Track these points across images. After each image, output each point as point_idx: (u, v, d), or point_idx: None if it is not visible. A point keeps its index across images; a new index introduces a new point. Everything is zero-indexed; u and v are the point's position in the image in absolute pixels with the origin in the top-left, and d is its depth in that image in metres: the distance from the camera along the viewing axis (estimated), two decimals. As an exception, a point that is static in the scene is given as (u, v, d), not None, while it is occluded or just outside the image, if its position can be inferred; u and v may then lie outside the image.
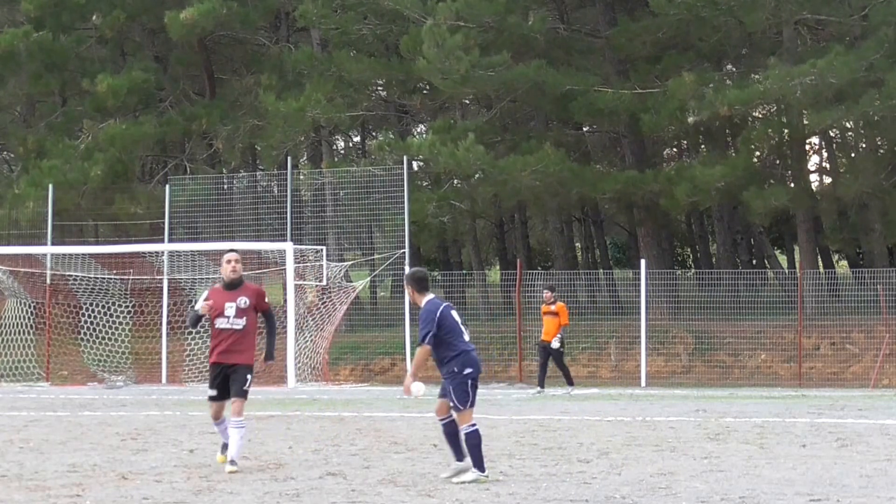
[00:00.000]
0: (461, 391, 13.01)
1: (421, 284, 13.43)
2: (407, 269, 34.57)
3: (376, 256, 38.39)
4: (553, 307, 29.30)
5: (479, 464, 13.06)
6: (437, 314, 13.08)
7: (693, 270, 51.83)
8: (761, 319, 36.28)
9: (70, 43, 42.66)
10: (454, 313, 13.23)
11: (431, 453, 15.78)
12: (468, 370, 13.05)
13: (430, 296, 13.41)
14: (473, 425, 13.05)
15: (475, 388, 13.13)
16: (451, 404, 13.07)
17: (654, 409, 23.10)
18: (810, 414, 21.86)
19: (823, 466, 14.13)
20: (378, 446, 16.68)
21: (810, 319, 35.26)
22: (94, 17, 42.13)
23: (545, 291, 30.00)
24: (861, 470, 13.79)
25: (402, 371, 35.26)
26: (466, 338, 13.21)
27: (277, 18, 44.65)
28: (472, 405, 13.08)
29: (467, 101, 44.32)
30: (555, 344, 29.06)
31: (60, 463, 14.82)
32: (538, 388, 29.25)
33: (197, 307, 14.19)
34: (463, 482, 12.91)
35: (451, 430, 13.16)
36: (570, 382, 29.43)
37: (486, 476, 13.04)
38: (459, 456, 13.14)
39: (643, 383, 33.51)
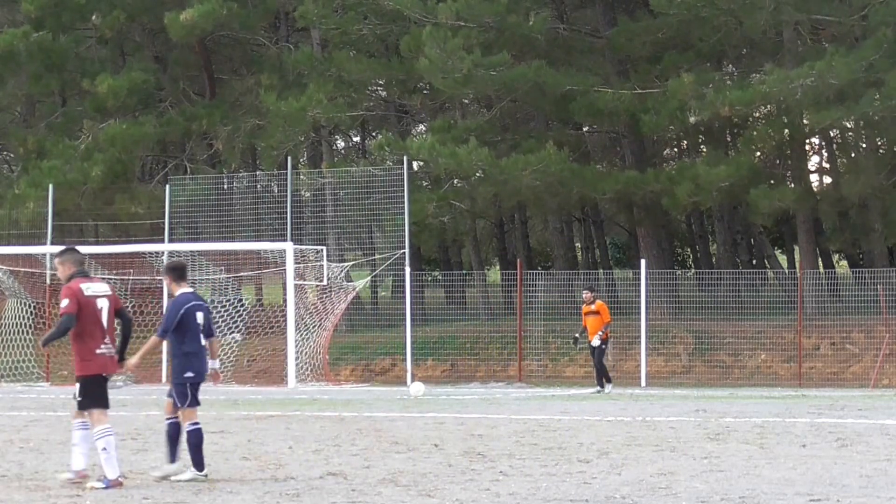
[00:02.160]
0: (180, 392, 13.29)
1: (175, 274, 13.64)
2: (407, 270, 34.67)
3: (377, 256, 38.38)
4: (593, 306, 29.48)
5: (198, 464, 13.19)
6: (182, 310, 13.20)
7: (693, 270, 51.77)
8: (761, 319, 36.25)
9: (70, 43, 42.59)
10: (200, 314, 13.33)
11: (432, 453, 15.78)
12: (188, 374, 13.29)
13: (187, 289, 13.51)
14: (196, 424, 13.23)
15: (195, 389, 13.31)
16: (175, 402, 13.30)
17: (654, 409, 23.11)
18: (810, 414, 21.87)
19: (823, 466, 14.13)
20: (378, 446, 16.68)
21: (810, 319, 35.24)
22: (94, 18, 42.03)
23: (584, 292, 30.21)
24: (861, 470, 13.80)
25: (402, 371, 35.23)
26: (203, 341, 13.32)
27: (277, 19, 44.59)
28: (193, 405, 13.25)
29: (467, 101, 44.28)
30: (595, 342, 29.25)
31: (60, 463, 14.81)
32: (605, 387, 29.40)
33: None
34: (180, 480, 13.05)
35: (173, 432, 13.34)
36: (608, 380, 29.57)
37: (206, 476, 13.15)
38: (172, 458, 13.27)
39: (643, 383, 33.50)
